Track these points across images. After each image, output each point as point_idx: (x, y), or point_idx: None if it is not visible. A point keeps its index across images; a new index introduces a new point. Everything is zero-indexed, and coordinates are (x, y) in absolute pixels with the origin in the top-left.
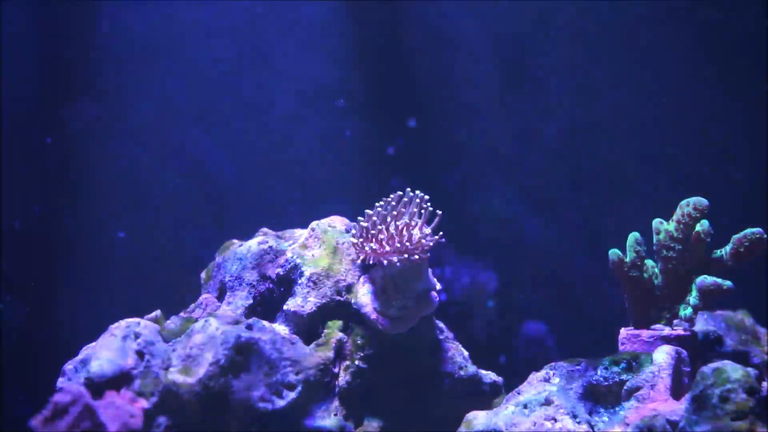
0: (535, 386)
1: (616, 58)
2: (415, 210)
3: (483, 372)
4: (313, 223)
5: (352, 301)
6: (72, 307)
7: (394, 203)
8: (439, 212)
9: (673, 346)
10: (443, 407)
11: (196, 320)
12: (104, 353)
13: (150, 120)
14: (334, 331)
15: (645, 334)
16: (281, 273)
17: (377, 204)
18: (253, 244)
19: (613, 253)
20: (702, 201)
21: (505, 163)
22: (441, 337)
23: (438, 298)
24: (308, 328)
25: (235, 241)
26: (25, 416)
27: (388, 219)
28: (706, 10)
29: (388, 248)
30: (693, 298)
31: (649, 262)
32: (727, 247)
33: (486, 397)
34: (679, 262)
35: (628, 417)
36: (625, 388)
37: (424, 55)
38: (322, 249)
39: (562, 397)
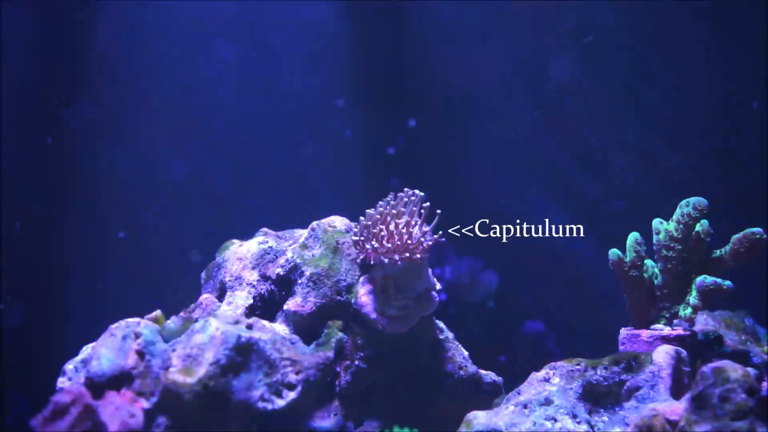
0: (535, 386)
1: (616, 58)
2: (415, 209)
3: (483, 372)
4: (313, 223)
5: (352, 300)
6: (72, 307)
7: (393, 202)
8: (438, 211)
9: (673, 346)
10: (443, 407)
11: (196, 320)
12: (104, 353)
13: (149, 120)
14: (334, 330)
15: (645, 334)
16: (281, 273)
17: (378, 204)
18: (254, 244)
19: (613, 253)
20: (702, 201)
21: (504, 162)
22: (441, 337)
23: (438, 298)
24: (308, 328)
25: (235, 241)
26: (25, 416)
27: (389, 218)
28: (707, 10)
29: (389, 247)
30: (693, 298)
31: (649, 262)
32: (727, 247)
33: (486, 397)
34: (679, 262)
35: (628, 417)
36: (625, 388)
37: (425, 55)
38: (322, 249)
39: (562, 397)
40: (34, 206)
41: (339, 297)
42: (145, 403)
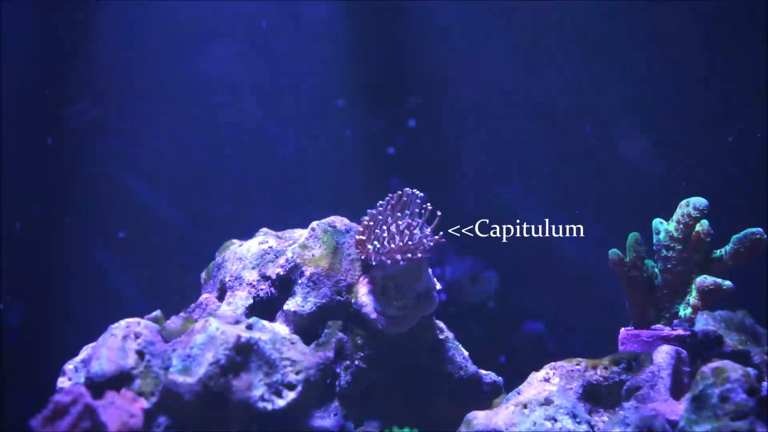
0: (535, 386)
1: (617, 57)
2: (415, 210)
3: (483, 372)
4: (313, 223)
5: (353, 300)
6: (72, 307)
7: (394, 203)
8: (439, 212)
9: (672, 346)
10: (443, 407)
11: (196, 320)
12: (104, 353)
13: (149, 120)
14: (334, 331)
15: (645, 334)
16: (281, 273)
17: (379, 203)
18: (253, 244)
19: (613, 253)
20: (702, 201)
21: (505, 162)
22: (441, 337)
23: (438, 298)
24: (308, 328)
25: (235, 241)
26: (25, 416)
27: (390, 219)
28: (707, 9)
29: (390, 247)
30: (693, 298)
31: (649, 262)
32: (727, 247)
33: (486, 397)
34: (679, 262)
35: (628, 417)
36: (624, 388)
37: (425, 55)
38: (322, 249)
39: (562, 397)
40: (34, 206)
41: (339, 297)
42: (145, 403)
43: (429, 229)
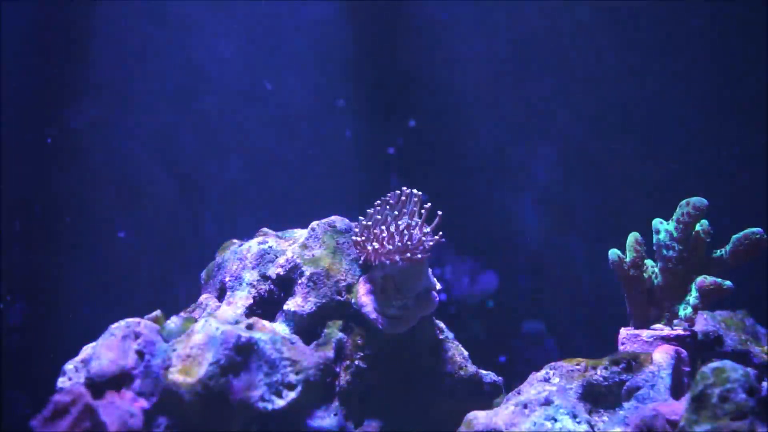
0: (535, 386)
1: (617, 58)
2: (415, 209)
3: (483, 372)
4: (313, 223)
5: (352, 300)
6: (72, 307)
7: (393, 202)
8: (439, 212)
9: (673, 346)
10: (443, 407)
11: (196, 320)
12: (104, 353)
13: (150, 120)
14: (334, 330)
15: (645, 334)
16: (281, 273)
17: (377, 203)
18: (253, 244)
19: (613, 253)
20: (701, 201)
21: (505, 162)
22: (441, 337)
23: (438, 298)
24: (308, 328)
25: (235, 241)
26: (25, 416)
27: (389, 218)
28: (708, 8)
29: (389, 247)
30: (693, 298)
31: (649, 262)
32: (727, 247)
33: (486, 397)
34: (679, 262)
35: (628, 417)
36: (624, 388)
37: (424, 55)
38: (322, 249)
39: (562, 397)
40: (34, 206)
41: (339, 297)
42: (145, 403)
43: (428, 229)
